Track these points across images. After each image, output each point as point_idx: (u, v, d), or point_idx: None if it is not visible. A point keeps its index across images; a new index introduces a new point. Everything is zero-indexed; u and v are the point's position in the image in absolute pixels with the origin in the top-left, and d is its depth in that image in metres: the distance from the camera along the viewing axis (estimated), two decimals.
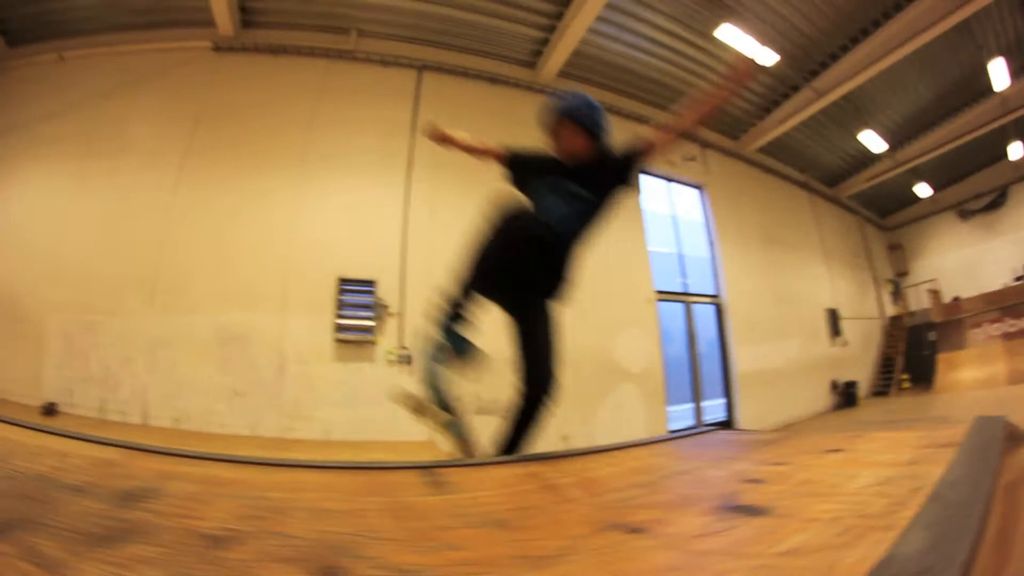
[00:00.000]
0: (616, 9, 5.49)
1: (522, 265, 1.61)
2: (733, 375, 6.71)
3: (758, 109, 7.28)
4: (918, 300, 9.98)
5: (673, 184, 6.93)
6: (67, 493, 0.81)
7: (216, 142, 5.17)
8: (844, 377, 8.21)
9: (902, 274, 10.66)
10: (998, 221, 9.43)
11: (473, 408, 4.53)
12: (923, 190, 9.83)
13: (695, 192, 7.12)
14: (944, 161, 8.79)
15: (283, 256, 4.63)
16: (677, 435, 1.95)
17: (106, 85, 5.77)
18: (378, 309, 4.49)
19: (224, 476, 1.20)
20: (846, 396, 8.05)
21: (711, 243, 6.97)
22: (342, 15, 5.60)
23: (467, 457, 1.57)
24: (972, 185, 9.70)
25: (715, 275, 6.94)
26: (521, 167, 1.83)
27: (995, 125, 7.63)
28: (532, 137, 5.88)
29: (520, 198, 1.71)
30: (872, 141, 8.16)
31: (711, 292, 6.89)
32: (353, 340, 4.44)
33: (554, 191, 1.68)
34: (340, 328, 4.43)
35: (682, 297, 6.61)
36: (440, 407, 1.61)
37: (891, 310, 10.24)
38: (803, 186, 8.83)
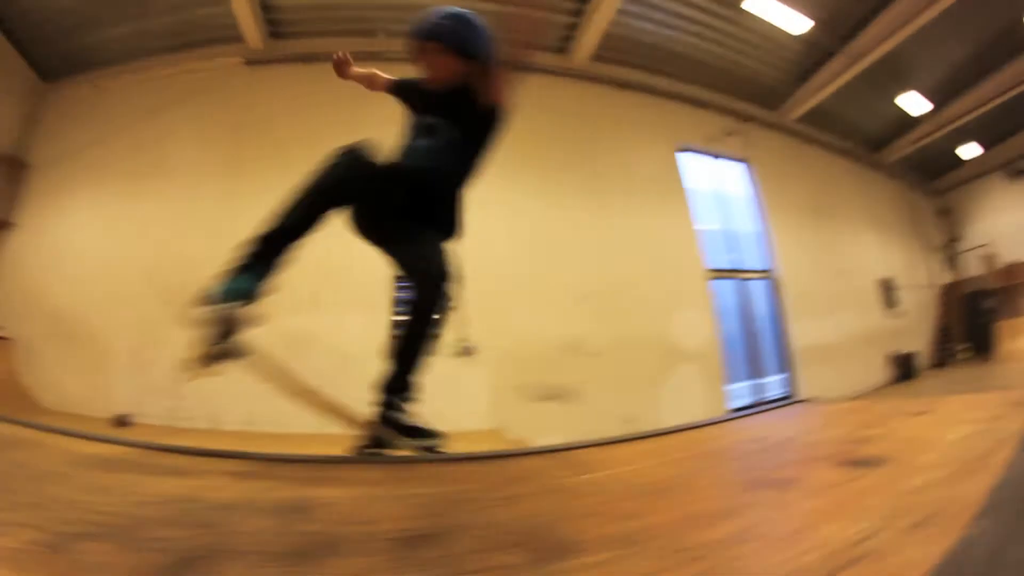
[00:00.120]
0: None
1: (370, 209, 1.49)
2: (791, 351, 6.50)
3: (794, 77, 7.08)
4: (972, 266, 9.55)
5: (717, 160, 6.77)
6: (231, 513, 0.80)
7: (258, 152, 5.27)
8: (902, 349, 7.88)
9: (954, 240, 10.22)
10: None
11: (539, 395, 4.51)
12: (970, 150, 9.42)
13: (740, 167, 6.95)
14: (991, 118, 8.41)
15: (337, 258, 4.64)
16: (764, 408, 2.01)
17: (145, 108, 5.92)
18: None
19: (368, 476, 1.23)
20: (905, 368, 7.71)
21: (759, 217, 6.79)
22: (368, 18, 5.63)
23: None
24: (1022, 142, 9.26)
25: (766, 249, 6.75)
26: (410, 98, 1.68)
27: None
28: (567, 123, 5.74)
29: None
30: (914, 102, 7.86)
31: (763, 267, 6.70)
32: None
33: (419, 125, 1.57)
34: (399, 323, 4.43)
35: (734, 274, 6.44)
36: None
37: (945, 278, 9.82)
38: (847, 154, 8.55)
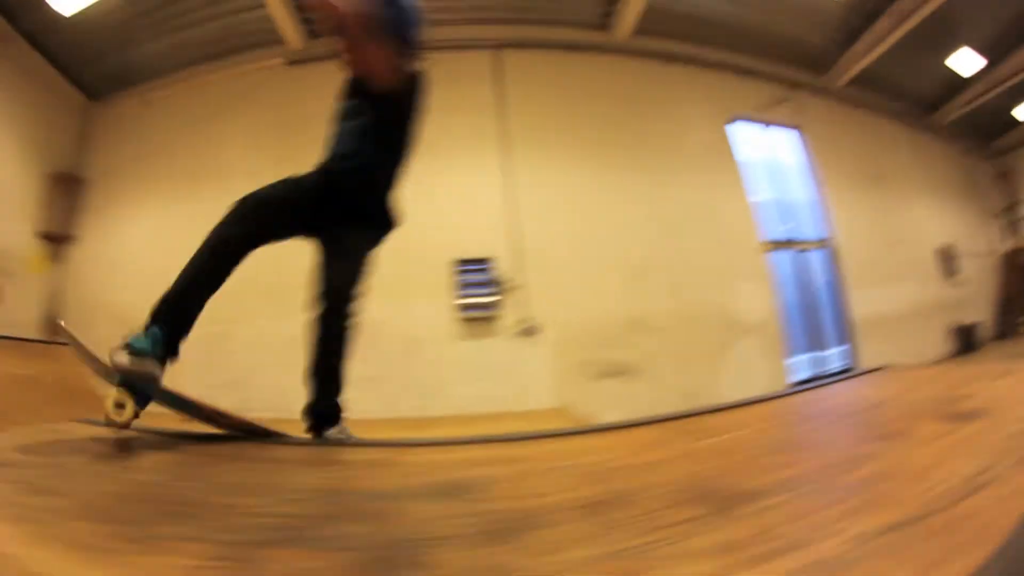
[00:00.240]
0: None
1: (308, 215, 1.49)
2: (851, 322, 6.27)
3: (841, 41, 6.82)
4: None
5: (768, 129, 6.57)
6: (395, 502, 0.79)
7: (307, 149, 5.31)
8: (963, 320, 7.52)
9: (1014, 204, 9.73)
10: None
11: (602, 372, 4.43)
12: None
13: (792, 135, 6.74)
14: None
15: (396, 247, 4.75)
16: (847, 376, 2.23)
17: (193, 116, 6.07)
18: (497, 285, 4.53)
19: (501, 455, 1.22)
20: (967, 340, 7.35)
21: (814, 186, 6.56)
22: None
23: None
24: None
25: (822, 219, 6.52)
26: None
27: None
28: (615, 101, 5.62)
29: None
30: (967, 60, 7.49)
31: (819, 237, 6.47)
32: (476, 317, 4.50)
33: (344, 107, 1.56)
34: (462, 307, 4.52)
35: (791, 245, 6.25)
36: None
37: (1005, 245, 9.35)
38: (900, 117, 8.21)
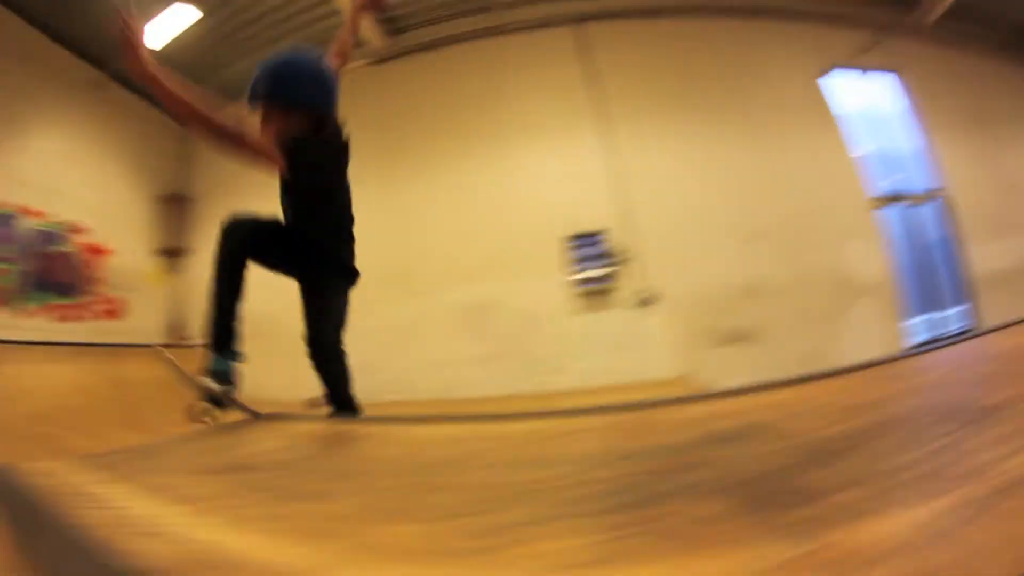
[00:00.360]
0: None
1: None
2: (970, 278, 5.83)
3: None
4: None
5: (864, 77, 6.17)
6: (696, 450, 0.79)
7: (404, 143, 5.50)
8: None
9: None
10: None
11: (720, 339, 4.35)
12: None
13: (889, 80, 6.30)
14: None
15: (508, 227, 4.95)
16: (980, 333, 2.07)
17: None
18: (611, 257, 4.55)
19: (757, 403, 1.21)
20: None
21: (919, 133, 6.12)
22: None
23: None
24: None
25: (930, 169, 6.08)
26: None
27: None
28: (705, 62, 5.40)
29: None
30: None
31: (929, 189, 6.04)
32: (592, 291, 4.54)
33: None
34: (577, 282, 4.58)
35: (900, 199, 5.86)
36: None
37: None
38: (1002, 50, 7.52)
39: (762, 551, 0.39)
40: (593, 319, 4.65)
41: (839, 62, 5.82)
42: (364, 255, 5.88)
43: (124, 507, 0.70)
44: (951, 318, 5.82)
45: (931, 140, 6.11)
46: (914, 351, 1.68)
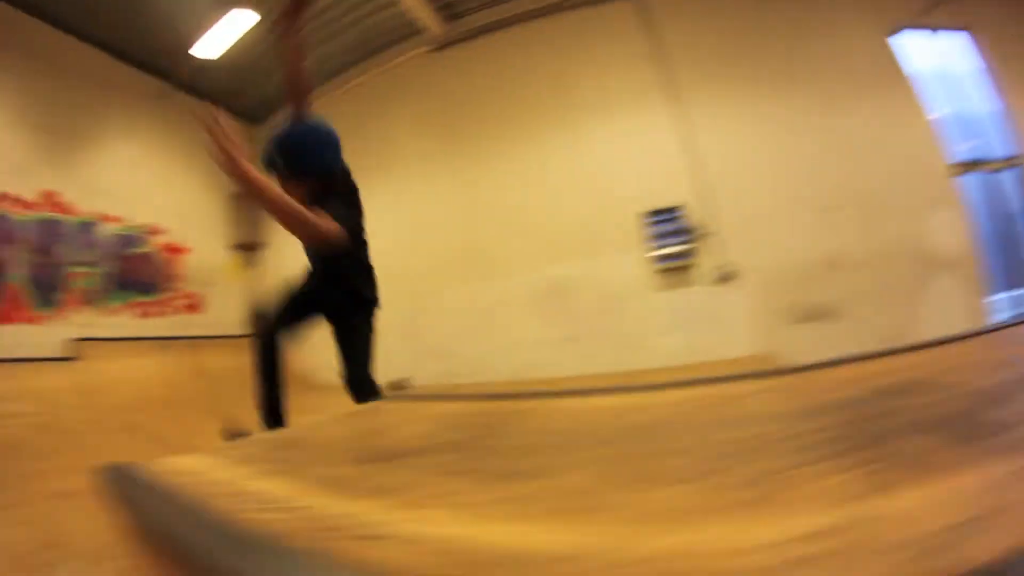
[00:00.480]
0: None
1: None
2: None
3: None
4: None
5: (936, 35, 5.86)
6: (861, 406, 0.81)
7: (470, 127, 5.57)
8: None
9: None
10: None
11: (800, 315, 4.24)
12: None
13: (961, 38, 5.96)
14: None
15: (584, 206, 4.94)
16: None
17: (354, 118, 6.50)
18: (689, 232, 4.48)
19: (897, 365, 1.20)
20: None
21: (997, 94, 5.78)
22: None
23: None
24: None
25: (1010, 133, 5.74)
26: None
27: None
28: (768, 34, 5.19)
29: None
30: None
31: (1010, 154, 5.70)
32: (671, 267, 4.50)
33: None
34: (656, 258, 4.54)
35: (979, 165, 5.57)
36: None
37: None
38: None
39: (988, 468, 0.45)
40: (672, 297, 4.59)
41: (908, 21, 5.54)
42: (441, 240, 6.03)
43: (308, 507, 0.59)
44: None
45: (1009, 101, 5.76)
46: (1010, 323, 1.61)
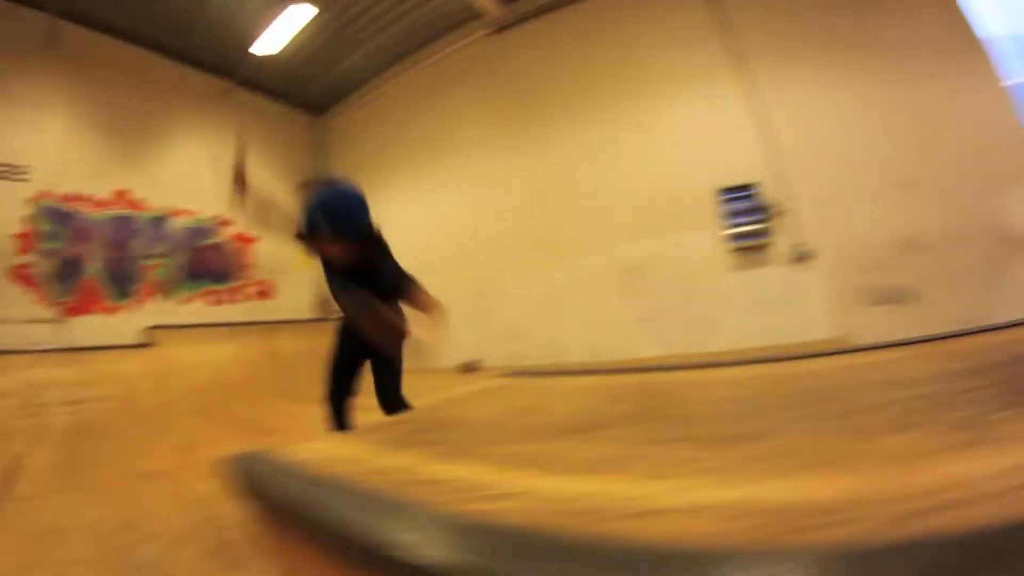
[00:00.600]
0: None
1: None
2: None
3: None
4: None
5: None
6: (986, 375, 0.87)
7: (543, 107, 5.63)
8: None
9: None
10: None
11: (877, 298, 4.14)
12: None
13: None
14: None
15: (656, 184, 4.86)
16: None
17: (418, 102, 6.80)
18: (765, 210, 4.38)
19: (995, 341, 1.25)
20: None
21: None
22: None
23: None
24: None
25: None
26: None
27: None
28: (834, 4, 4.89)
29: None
30: None
31: None
32: (746, 247, 4.41)
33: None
34: (731, 237, 4.45)
35: None
36: None
37: None
38: None
39: None
40: (748, 277, 4.48)
41: None
42: (510, 222, 6.05)
43: (534, 491, 0.56)
44: None
45: None
46: None
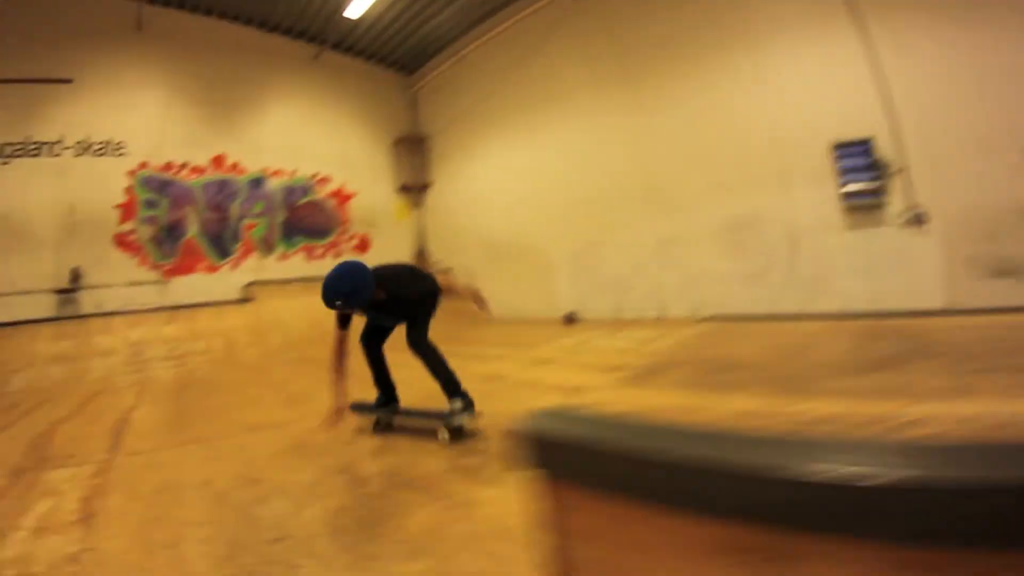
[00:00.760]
0: None
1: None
2: None
3: None
4: None
5: None
6: None
7: (648, 63, 5.50)
8: None
9: None
10: None
11: (993, 269, 3.84)
12: None
13: None
14: None
15: (767, 137, 4.65)
16: None
17: (517, 56, 6.71)
18: (880, 168, 4.18)
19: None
20: None
21: None
22: None
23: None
24: None
25: None
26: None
27: None
28: None
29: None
30: None
31: None
32: (860, 205, 4.23)
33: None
34: (844, 195, 4.22)
35: None
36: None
37: None
38: None
39: None
40: (860, 236, 4.24)
41: None
42: (617, 175, 5.89)
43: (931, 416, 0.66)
44: None
45: None
46: None
